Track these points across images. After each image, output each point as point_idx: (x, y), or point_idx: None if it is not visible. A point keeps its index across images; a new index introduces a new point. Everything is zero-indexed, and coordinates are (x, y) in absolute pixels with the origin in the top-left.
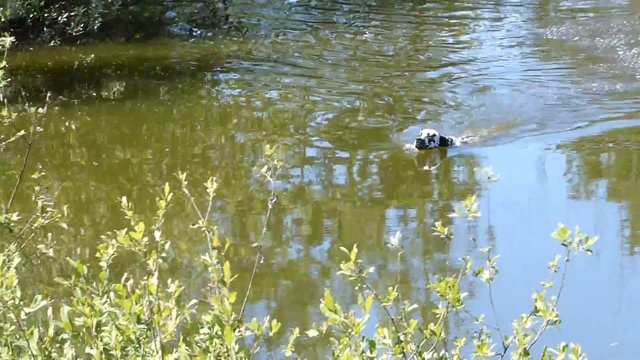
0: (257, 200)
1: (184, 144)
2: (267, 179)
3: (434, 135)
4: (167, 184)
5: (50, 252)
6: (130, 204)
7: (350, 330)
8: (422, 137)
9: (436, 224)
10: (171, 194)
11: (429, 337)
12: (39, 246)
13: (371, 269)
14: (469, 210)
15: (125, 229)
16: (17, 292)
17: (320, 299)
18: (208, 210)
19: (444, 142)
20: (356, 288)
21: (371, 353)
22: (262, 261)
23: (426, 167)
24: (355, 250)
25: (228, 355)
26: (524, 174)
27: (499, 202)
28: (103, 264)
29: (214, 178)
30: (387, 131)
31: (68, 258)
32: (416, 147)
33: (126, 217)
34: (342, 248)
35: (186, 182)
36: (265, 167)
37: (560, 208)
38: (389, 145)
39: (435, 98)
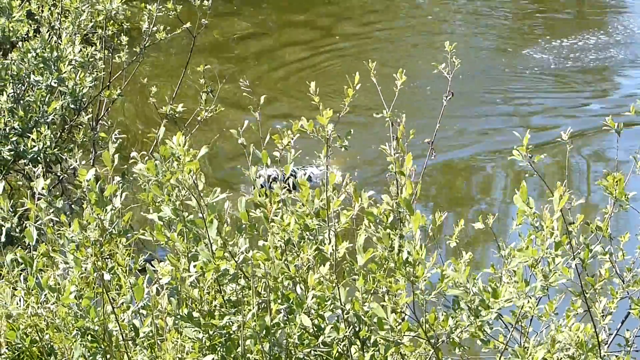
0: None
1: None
2: (444, 74)
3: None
4: (357, 72)
5: (241, 140)
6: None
7: (541, 223)
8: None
9: (606, 118)
10: (359, 84)
11: (595, 232)
12: (231, 130)
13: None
14: None
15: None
16: (202, 177)
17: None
18: (393, 102)
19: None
20: (526, 175)
21: (555, 251)
22: (433, 156)
23: None
24: (527, 135)
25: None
26: None
27: None
28: (276, 153)
29: (403, 71)
30: None
31: (254, 147)
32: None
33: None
34: (515, 132)
35: (375, 72)
36: (443, 64)
37: None
38: None
39: None
